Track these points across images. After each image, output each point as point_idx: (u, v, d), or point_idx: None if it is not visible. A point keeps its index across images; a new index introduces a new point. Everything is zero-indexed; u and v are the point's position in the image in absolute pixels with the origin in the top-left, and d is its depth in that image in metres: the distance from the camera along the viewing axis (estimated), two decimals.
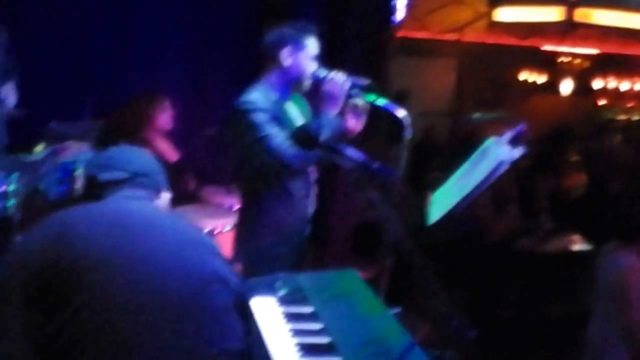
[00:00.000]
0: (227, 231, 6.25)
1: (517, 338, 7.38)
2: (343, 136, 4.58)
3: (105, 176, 2.93)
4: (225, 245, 5.86)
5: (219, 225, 6.29)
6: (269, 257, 4.59)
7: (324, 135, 4.34)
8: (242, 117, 4.49)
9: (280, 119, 4.58)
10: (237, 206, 6.73)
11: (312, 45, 4.71)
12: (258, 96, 4.55)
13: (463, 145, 11.04)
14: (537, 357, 7.20)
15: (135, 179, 2.98)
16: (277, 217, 4.65)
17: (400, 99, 9.62)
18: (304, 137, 4.14)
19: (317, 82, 4.65)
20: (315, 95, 4.77)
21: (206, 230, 6.13)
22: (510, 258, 7.76)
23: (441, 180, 4.36)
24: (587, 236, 7.98)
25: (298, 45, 4.65)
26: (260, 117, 4.45)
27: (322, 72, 4.63)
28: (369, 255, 7.76)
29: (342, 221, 8.04)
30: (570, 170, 9.71)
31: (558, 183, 8.96)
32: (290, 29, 4.69)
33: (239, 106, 4.52)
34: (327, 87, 4.56)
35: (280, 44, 4.64)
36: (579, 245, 7.90)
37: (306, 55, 4.68)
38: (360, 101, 4.68)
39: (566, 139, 10.84)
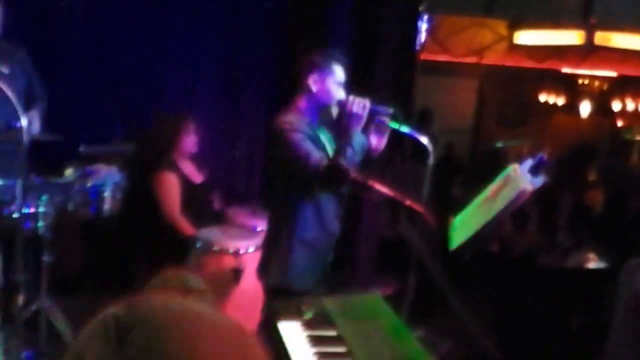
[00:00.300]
0: (251, 252, 6.36)
1: (538, 350, 7.46)
2: (367, 154, 4.71)
3: None
4: (250, 265, 6.00)
5: (243, 246, 6.39)
6: (300, 274, 4.70)
7: (353, 154, 4.49)
8: (280, 137, 4.59)
9: (315, 140, 4.70)
10: (260, 227, 6.86)
11: (339, 72, 4.82)
12: (293, 118, 4.67)
13: (485, 166, 11.14)
14: None
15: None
16: (309, 235, 4.76)
17: (423, 118, 9.71)
18: (335, 174, 4.23)
19: (341, 106, 4.74)
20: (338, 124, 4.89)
21: (231, 250, 6.24)
22: (531, 274, 7.84)
23: (462, 199, 4.44)
24: (605, 253, 8.05)
25: (325, 71, 4.78)
26: (298, 137, 4.56)
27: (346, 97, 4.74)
28: (393, 271, 7.86)
29: (366, 239, 8.11)
30: (590, 189, 9.76)
31: (578, 201, 9.01)
32: (319, 56, 4.83)
33: (278, 126, 4.63)
34: (349, 106, 4.64)
35: (309, 70, 4.77)
36: (594, 262, 7.98)
37: (333, 81, 4.79)
38: (381, 125, 4.81)
39: (589, 157, 10.88)
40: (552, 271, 7.91)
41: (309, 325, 3.42)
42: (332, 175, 4.37)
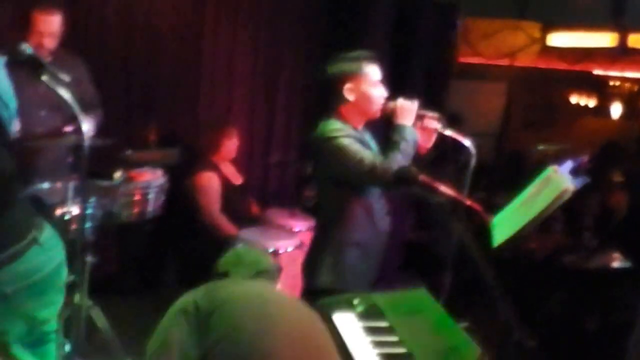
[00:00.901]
0: (290, 251, 6.52)
1: (561, 349, 7.54)
2: (415, 151, 4.75)
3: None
4: (288, 264, 6.14)
5: (281, 246, 6.55)
6: (353, 273, 4.72)
7: (404, 145, 4.58)
8: (329, 144, 4.60)
9: (363, 142, 4.72)
10: (298, 228, 7.00)
11: (372, 71, 4.80)
12: (338, 125, 4.68)
13: (510, 167, 11.19)
14: None
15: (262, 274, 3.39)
16: (362, 234, 4.78)
17: (454, 122, 9.79)
18: (404, 176, 4.30)
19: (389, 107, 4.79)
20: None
21: (270, 250, 6.39)
22: (556, 274, 7.91)
23: (488, 201, 4.54)
24: (629, 254, 8.12)
25: (357, 77, 4.76)
26: (348, 141, 4.58)
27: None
28: (416, 271, 7.97)
29: (395, 239, 8.19)
30: (615, 191, 9.80)
31: (603, 202, 9.05)
32: (347, 63, 4.80)
33: (325, 134, 4.64)
34: (400, 103, 4.74)
35: (341, 80, 4.75)
36: (619, 262, 8.04)
37: (369, 83, 4.78)
38: (429, 124, 4.89)
39: (615, 155, 10.91)
40: (577, 271, 7.98)
41: (361, 317, 3.55)
42: (402, 177, 4.39)
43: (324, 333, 3.06)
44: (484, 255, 3.30)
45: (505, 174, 11.44)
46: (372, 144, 4.92)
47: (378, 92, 4.81)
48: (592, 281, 7.98)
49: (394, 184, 4.47)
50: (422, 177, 3.64)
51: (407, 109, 4.74)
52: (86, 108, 5.98)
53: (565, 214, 8.44)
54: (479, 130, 13.64)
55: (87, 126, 5.87)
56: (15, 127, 4.71)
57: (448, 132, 4.90)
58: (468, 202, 3.24)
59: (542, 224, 7.98)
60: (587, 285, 7.99)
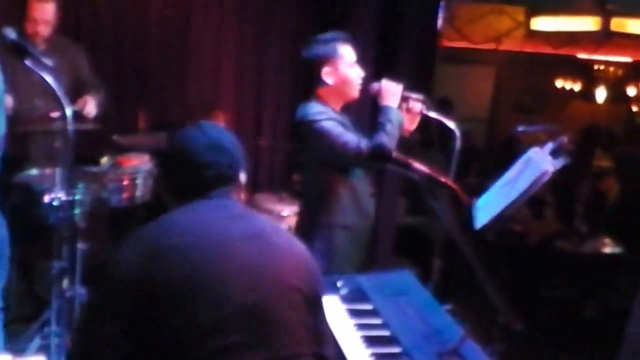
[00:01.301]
0: None
1: (554, 333, 7.60)
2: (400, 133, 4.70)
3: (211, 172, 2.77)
4: None
5: None
6: (344, 257, 4.70)
7: (389, 126, 4.54)
8: (312, 127, 4.59)
9: (345, 124, 4.70)
10: (287, 212, 7.03)
11: (347, 52, 4.78)
12: (320, 108, 4.67)
13: (501, 154, 11.23)
14: (571, 351, 7.40)
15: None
16: (349, 217, 4.78)
17: (443, 107, 9.80)
18: (378, 154, 4.31)
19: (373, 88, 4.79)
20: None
21: None
22: (548, 259, 7.96)
23: (481, 185, 4.57)
24: (621, 239, 8.18)
25: (335, 59, 4.74)
26: (331, 124, 4.57)
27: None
28: (410, 256, 8.00)
29: (386, 223, 8.19)
30: (605, 176, 9.86)
31: (594, 188, 9.10)
32: (322, 45, 4.77)
33: (307, 117, 4.63)
34: (384, 85, 4.73)
35: (319, 63, 4.74)
36: (610, 247, 8.10)
37: (345, 65, 4.76)
38: (414, 107, 4.88)
39: (596, 138, 10.98)
40: (569, 257, 8.03)
41: (346, 299, 3.59)
42: (375, 154, 4.39)
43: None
44: (466, 236, 3.34)
45: (497, 158, 11.47)
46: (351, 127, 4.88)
47: (355, 74, 4.80)
48: (585, 267, 8.04)
49: (369, 161, 4.48)
50: (396, 154, 3.66)
51: (392, 90, 4.74)
52: (86, 90, 6.08)
53: (557, 200, 8.49)
54: (470, 115, 13.72)
55: (90, 106, 5.97)
56: (8, 102, 4.75)
57: (433, 115, 4.88)
58: (443, 180, 3.26)
59: (534, 210, 8.07)
60: (581, 271, 8.05)
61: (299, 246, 2.79)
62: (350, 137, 4.55)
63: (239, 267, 2.54)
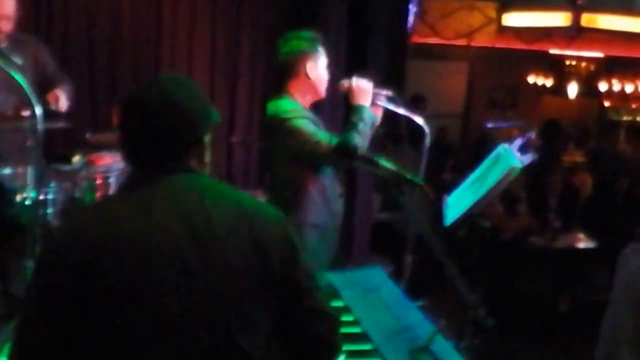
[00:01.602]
0: None
1: (529, 328, 7.64)
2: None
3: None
4: None
5: None
6: (314, 255, 4.43)
7: (362, 126, 4.56)
8: (285, 125, 4.59)
9: (317, 123, 4.72)
10: None
11: (324, 54, 4.85)
12: (295, 105, 4.68)
13: (475, 149, 11.27)
14: (546, 345, 7.45)
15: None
16: (318, 216, 4.78)
17: (416, 103, 9.81)
18: (343, 151, 4.31)
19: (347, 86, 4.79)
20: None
21: None
22: (522, 254, 8.00)
23: (455, 181, 4.59)
24: (594, 234, 8.24)
25: (317, 57, 4.78)
26: (304, 122, 4.58)
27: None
28: (386, 252, 8.02)
29: (361, 220, 8.19)
30: (578, 171, 9.92)
31: (567, 183, 9.15)
32: (307, 42, 4.80)
33: (280, 115, 4.63)
34: (356, 84, 4.74)
35: (303, 58, 4.75)
36: (584, 242, 8.16)
37: (324, 64, 4.83)
38: (379, 102, 4.88)
39: (554, 131, 11.04)
40: (543, 251, 8.08)
41: None
42: (340, 150, 4.39)
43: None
44: (435, 233, 3.36)
45: (471, 154, 11.51)
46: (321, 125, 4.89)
47: (327, 74, 4.86)
48: (559, 262, 8.10)
49: (335, 157, 4.48)
50: (362, 151, 3.65)
51: (364, 89, 4.75)
52: (50, 84, 6.02)
53: (530, 195, 8.53)
54: (444, 111, 13.77)
55: (62, 100, 5.91)
56: None
57: (401, 112, 4.88)
58: (409, 177, 3.27)
59: (507, 206, 8.10)
60: (555, 265, 8.11)
61: (249, 227, 2.42)
62: (322, 136, 4.57)
63: (175, 279, 2.27)
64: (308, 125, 4.59)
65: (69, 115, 6.11)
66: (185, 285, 2.27)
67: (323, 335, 2.58)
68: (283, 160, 4.80)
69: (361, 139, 4.53)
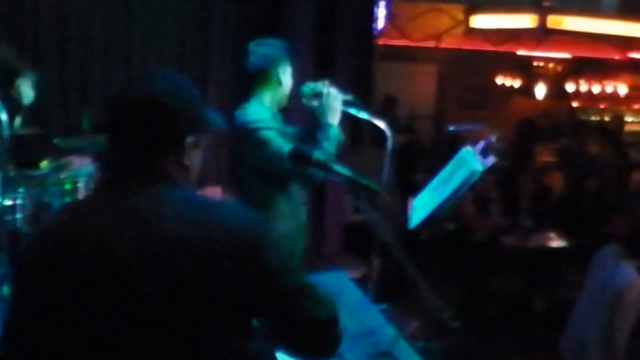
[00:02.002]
0: None
1: (502, 329, 7.69)
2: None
3: None
4: None
5: None
6: None
7: (327, 144, 4.55)
8: (253, 135, 4.57)
9: (285, 134, 4.71)
10: None
11: (289, 61, 4.86)
12: (263, 115, 4.67)
13: (446, 150, 11.33)
14: (522, 344, 7.50)
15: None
16: (286, 225, 4.77)
17: (389, 104, 9.83)
18: (299, 157, 4.30)
19: (315, 96, 4.73)
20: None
21: None
22: (494, 254, 8.04)
23: (427, 182, 4.62)
24: (567, 233, 8.29)
25: (286, 64, 4.80)
26: (273, 134, 4.57)
27: (320, 87, 4.73)
28: (360, 254, 8.05)
29: (332, 223, 8.21)
30: (549, 171, 9.99)
31: (538, 183, 9.21)
32: (276, 49, 4.81)
33: (251, 124, 4.60)
34: (327, 100, 4.67)
35: (274, 64, 4.75)
36: (556, 242, 8.21)
37: (291, 71, 4.86)
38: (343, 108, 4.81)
39: (528, 130, 11.14)
40: (515, 251, 8.13)
41: None
42: (296, 157, 4.37)
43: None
44: (396, 237, 3.38)
45: (443, 155, 11.55)
46: (286, 128, 4.91)
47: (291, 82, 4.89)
48: (532, 261, 8.14)
49: (290, 164, 4.46)
50: (316, 157, 3.67)
51: (335, 107, 4.70)
52: (11, 76, 5.96)
53: (501, 195, 8.57)
54: (415, 112, 13.84)
55: (26, 90, 5.85)
56: None
57: (363, 116, 4.83)
58: (364, 182, 3.28)
59: (478, 206, 8.14)
60: (528, 265, 8.15)
61: (208, 236, 2.30)
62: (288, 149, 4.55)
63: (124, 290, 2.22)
64: (276, 137, 4.58)
65: (39, 119, 6.10)
66: (132, 298, 2.23)
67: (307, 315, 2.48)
68: (250, 170, 4.78)
69: (323, 157, 4.50)
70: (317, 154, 4.30)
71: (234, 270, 2.30)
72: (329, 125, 4.65)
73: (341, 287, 3.73)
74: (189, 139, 2.40)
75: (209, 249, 2.28)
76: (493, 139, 4.15)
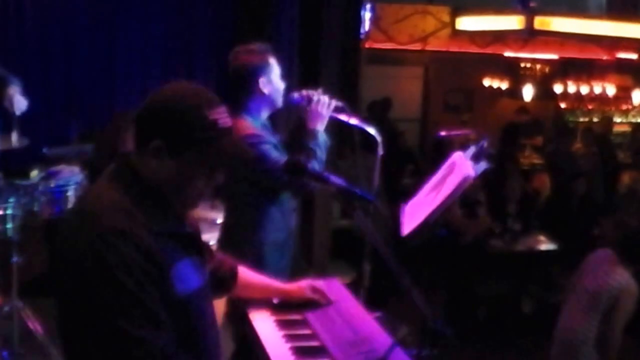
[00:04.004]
0: (212, 244, 6.50)
1: (491, 332, 7.70)
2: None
3: None
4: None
5: (204, 239, 6.53)
6: (275, 272, 4.38)
7: (319, 152, 4.57)
8: (250, 151, 4.49)
9: (277, 146, 4.69)
10: (220, 220, 7.00)
11: (275, 63, 4.77)
12: (255, 130, 4.63)
13: (434, 155, 11.31)
14: (509, 350, 7.51)
15: None
16: (278, 234, 4.79)
17: (384, 106, 9.80)
18: (294, 169, 4.27)
19: (303, 103, 4.70)
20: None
21: None
22: (483, 258, 8.04)
23: (415, 186, 4.60)
24: (555, 235, 8.31)
25: (270, 70, 4.72)
26: (268, 148, 4.56)
27: (309, 94, 4.70)
28: (348, 259, 8.03)
29: (321, 229, 8.20)
30: (537, 173, 10.00)
31: (526, 186, 9.21)
32: (256, 55, 4.73)
33: (242, 139, 4.44)
34: (315, 107, 4.65)
35: (256, 73, 4.68)
36: (545, 244, 8.22)
37: (276, 75, 4.76)
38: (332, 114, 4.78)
39: (513, 132, 11.16)
40: (503, 254, 8.13)
41: (274, 310, 3.60)
42: (291, 169, 4.34)
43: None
44: (389, 243, 3.38)
45: (431, 159, 11.54)
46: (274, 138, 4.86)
47: (282, 84, 4.82)
48: (520, 264, 8.16)
49: (285, 175, 4.29)
50: (312, 169, 3.64)
51: (323, 113, 4.69)
52: (3, 84, 5.95)
53: (489, 199, 8.57)
54: (402, 116, 13.83)
55: (18, 99, 5.85)
56: None
57: (353, 122, 4.78)
58: (359, 193, 3.27)
59: (466, 210, 8.15)
60: (516, 268, 8.16)
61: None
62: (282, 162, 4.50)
63: None
64: (271, 151, 4.57)
65: (26, 129, 6.10)
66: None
67: None
68: (244, 183, 4.74)
69: (319, 166, 4.50)
70: (312, 165, 4.34)
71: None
72: (317, 132, 4.65)
73: (336, 295, 3.71)
74: (153, 143, 2.54)
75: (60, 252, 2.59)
76: (485, 144, 4.14)
